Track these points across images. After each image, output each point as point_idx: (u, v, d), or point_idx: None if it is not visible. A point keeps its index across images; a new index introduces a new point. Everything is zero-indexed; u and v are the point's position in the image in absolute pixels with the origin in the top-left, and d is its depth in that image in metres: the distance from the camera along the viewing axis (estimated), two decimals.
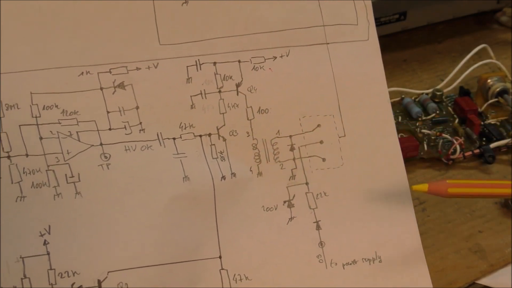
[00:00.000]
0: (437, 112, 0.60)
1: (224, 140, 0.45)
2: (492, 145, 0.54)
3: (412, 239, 0.46)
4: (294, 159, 0.46)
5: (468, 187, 0.41)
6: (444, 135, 0.57)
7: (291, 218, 0.46)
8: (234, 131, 0.45)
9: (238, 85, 0.45)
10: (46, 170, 0.41)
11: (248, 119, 0.46)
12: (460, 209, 0.48)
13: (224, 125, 0.45)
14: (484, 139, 0.55)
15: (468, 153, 0.53)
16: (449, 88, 0.62)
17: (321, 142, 0.47)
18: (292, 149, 0.46)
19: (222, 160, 0.44)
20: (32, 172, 0.41)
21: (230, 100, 0.45)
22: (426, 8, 0.52)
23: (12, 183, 0.40)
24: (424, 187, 0.41)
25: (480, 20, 0.75)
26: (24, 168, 0.41)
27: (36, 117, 0.42)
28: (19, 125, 0.41)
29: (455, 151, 0.56)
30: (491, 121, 0.57)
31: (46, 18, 0.42)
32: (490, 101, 0.62)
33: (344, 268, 0.45)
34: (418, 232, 0.46)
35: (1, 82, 0.41)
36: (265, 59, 0.46)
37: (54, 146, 0.41)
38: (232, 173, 0.45)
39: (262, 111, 0.46)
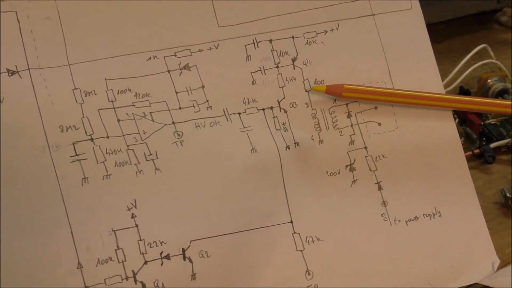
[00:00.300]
0: None
1: (285, 112, 0.48)
2: (492, 145, 0.54)
3: (468, 193, 0.49)
4: (351, 125, 0.49)
5: (361, 93, 0.46)
6: None
7: (354, 181, 0.48)
8: (294, 103, 0.48)
9: (294, 60, 0.48)
10: (127, 150, 0.44)
11: (305, 90, 0.48)
12: None
13: (284, 98, 0.48)
14: (484, 139, 0.55)
15: (468, 153, 0.53)
16: (449, 88, 0.63)
17: (376, 108, 0.49)
18: (349, 116, 0.49)
19: (285, 131, 0.47)
20: (114, 152, 0.44)
21: (287, 74, 0.48)
22: (426, 8, 0.54)
23: (97, 163, 0.43)
24: (322, 88, 0.45)
25: (480, 20, 0.75)
26: (106, 149, 0.43)
27: (112, 101, 0.44)
28: (98, 110, 0.44)
29: None
30: (491, 121, 0.57)
31: (114, 9, 0.45)
32: None
33: (407, 224, 0.48)
34: (474, 186, 0.48)
35: (79, 71, 0.44)
36: (317, 34, 0.49)
37: (131, 127, 0.44)
38: (295, 143, 0.47)
39: (318, 82, 0.48)
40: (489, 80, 0.63)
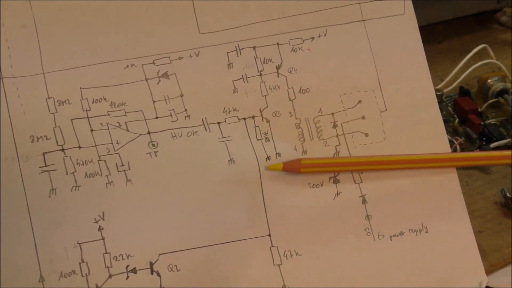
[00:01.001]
0: None
1: (268, 121, 0.43)
2: (492, 145, 0.51)
3: (458, 208, 0.43)
4: (337, 135, 0.44)
5: (320, 167, 0.41)
6: None
7: (337, 194, 0.43)
8: (277, 112, 0.43)
9: (278, 67, 0.43)
10: (98, 161, 0.40)
11: (290, 99, 0.43)
12: None
13: (267, 106, 0.43)
14: (484, 139, 0.52)
15: None
16: (449, 88, 0.60)
17: (363, 117, 0.44)
18: (334, 126, 0.44)
19: (266, 141, 0.42)
20: (85, 163, 0.40)
21: (271, 82, 0.43)
22: (426, 8, 0.50)
23: (67, 174, 0.39)
24: (278, 166, 0.40)
25: (480, 20, 0.72)
26: (77, 159, 0.40)
27: (86, 110, 0.41)
28: (71, 119, 0.40)
29: (455, 151, 0.53)
30: (491, 121, 0.54)
31: (91, 17, 0.41)
32: (490, 101, 0.58)
33: (391, 240, 0.43)
34: (464, 202, 0.43)
35: (53, 80, 0.40)
36: (303, 40, 0.44)
37: (105, 137, 0.40)
38: (276, 153, 0.42)
39: (303, 90, 0.43)
40: (489, 80, 0.59)
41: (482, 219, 0.47)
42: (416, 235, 0.43)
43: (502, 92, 0.57)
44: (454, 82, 0.57)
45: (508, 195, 0.48)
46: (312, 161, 0.40)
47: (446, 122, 0.56)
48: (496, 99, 0.58)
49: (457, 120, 0.54)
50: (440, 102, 0.58)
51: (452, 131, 0.52)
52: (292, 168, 0.40)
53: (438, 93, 0.57)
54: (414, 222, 0.43)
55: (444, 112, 0.57)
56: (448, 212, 0.42)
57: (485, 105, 0.55)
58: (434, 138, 0.43)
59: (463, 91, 0.56)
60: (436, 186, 0.43)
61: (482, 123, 0.52)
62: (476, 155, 0.44)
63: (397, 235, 0.42)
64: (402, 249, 0.42)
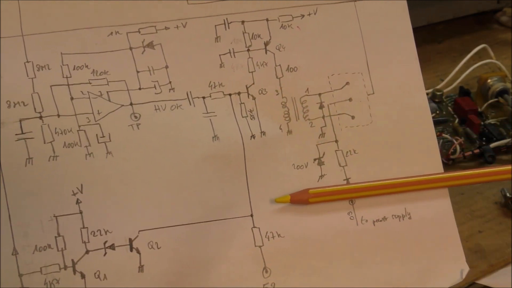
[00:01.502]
0: (437, 112, 0.57)
1: (254, 98, 0.42)
2: (492, 145, 0.52)
3: (441, 196, 0.43)
4: (323, 117, 0.43)
5: (328, 195, 0.41)
6: (444, 135, 0.55)
7: (321, 176, 0.43)
8: (263, 90, 0.42)
9: (266, 44, 0.43)
10: (78, 130, 0.39)
11: (277, 77, 0.43)
12: (460, 209, 0.46)
13: (253, 83, 0.42)
14: (484, 139, 0.53)
15: (468, 153, 0.51)
16: (449, 88, 0.60)
17: (350, 99, 0.44)
18: (321, 107, 0.43)
19: (251, 119, 0.42)
20: (64, 132, 0.38)
21: (258, 59, 0.42)
22: (426, 8, 0.51)
23: (44, 143, 0.38)
24: (286, 198, 0.40)
25: (480, 20, 0.72)
26: (56, 128, 0.38)
27: (67, 77, 0.39)
28: (50, 86, 0.39)
29: (455, 151, 0.54)
30: (491, 121, 0.55)
31: None
32: (490, 101, 0.59)
33: (374, 225, 0.43)
34: (448, 191, 0.43)
35: (33, 43, 0.39)
36: (293, 18, 0.43)
37: (85, 106, 0.39)
38: (261, 132, 0.42)
39: (291, 69, 0.43)
40: (489, 80, 0.59)
41: (482, 219, 0.48)
42: (399, 221, 0.43)
43: (502, 92, 0.58)
44: (454, 82, 0.58)
45: (508, 195, 0.49)
46: (321, 190, 0.41)
47: (446, 122, 0.56)
48: (496, 99, 0.58)
49: (457, 120, 0.54)
50: (440, 102, 0.58)
51: (452, 131, 0.53)
52: (300, 199, 0.40)
53: (438, 93, 0.58)
54: (397, 208, 0.43)
55: (444, 112, 0.57)
56: (431, 199, 0.43)
57: (485, 105, 0.55)
58: (420, 123, 0.44)
59: (463, 91, 0.56)
60: (421, 171, 0.43)
61: (482, 123, 0.53)
62: (474, 173, 0.45)
63: (380, 220, 0.43)
64: (384, 234, 0.42)
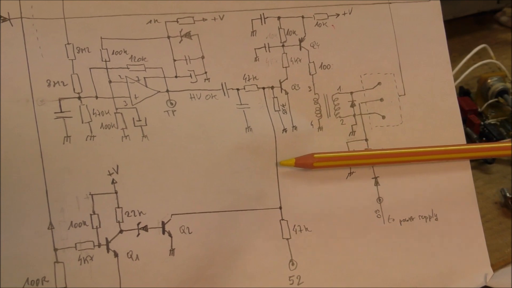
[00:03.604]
0: None
1: (287, 93, 0.46)
2: None
3: (469, 199, 0.47)
4: (354, 115, 0.47)
5: (332, 160, 0.44)
6: None
7: (350, 173, 0.47)
8: (296, 85, 0.46)
9: (301, 40, 0.47)
10: (115, 113, 0.42)
11: (310, 74, 0.47)
12: None
13: (287, 78, 0.46)
14: (484, 139, 0.55)
15: None
16: None
17: (381, 99, 0.48)
18: (352, 105, 0.47)
19: (284, 113, 0.45)
20: (101, 113, 0.42)
21: (293, 55, 0.46)
22: None
23: (82, 122, 0.41)
24: (291, 161, 0.42)
25: (480, 20, 0.75)
26: (94, 109, 0.42)
27: (105, 61, 0.43)
28: (90, 68, 0.42)
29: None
30: (491, 121, 0.57)
31: None
32: (490, 101, 0.62)
33: (401, 224, 0.46)
34: (475, 193, 0.47)
35: (74, 26, 0.42)
36: (328, 16, 0.47)
37: (123, 90, 0.43)
38: (293, 126, 0.45)
39: (324, 66, 0.47)
40: (489, 80, 0.62)
41: (482, 219, 0.49)
42: (426, 221, 0.46)
43: (502, 92, 0.61)
44: (454, 82, 0.58)
45: (508, 195, 0.52)
46: (325, 155, 0.43)
47: None
48: (496, 99, 0.61)
49: None
50: None
51: None
52: (305, 163, 0.43)
53: None
54: (425, 208, 0.47)
55: None
56: (458, 202, 0.47)
57: (485, 105, 0.58)
58: (450, 126, 0.48)
59: (463, 91, 0.59)
60: (449, 175, 0.47)
61: (482, 123, 0.55)
62: (472, 147, 0.49)
63: (407, 220, 0.46)
64: (410, 234, 0.46)
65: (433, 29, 0.48)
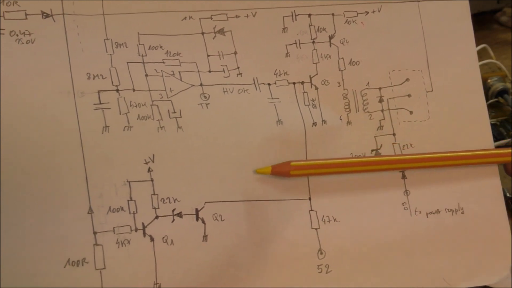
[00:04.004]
0: None
1: (316, 88, 0.49)
2: None
3: (495, 194, 0.49)
4: (382, 110, 0.49)
5: (310, 168, 0.44)
6: None
7: None
8: (326, 81, 0.49)
9: (331, 37, 0.49)
10: (151, 105, 0.45)
11: (339, 69, 0.49)
12: None
13: (317, 74, 0.49)
14: None
15: None
16: None
17: (409, 95, 0.50)
18: (380, 100, 0.49)
19: (313, 108, 0.48)
20: (138, 105, 0.45)
21: (323, 51, 0.49)
22: None
23: (120, 113, 0.44)
24: (267, 169, 0.43)
25: (480, 20, 0.75)
26: (131, 101, 0.45)
27: (142, 55, 0.46)
28: (127, 62, 0.45)
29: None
30: (491, 121, 0.56)
31: None
32: (490, 101, 0.63)
33: (428, 217, 0.49)
34: (501, 188, 0.48)
35: (112, 22, 0.45)
36: (357, 14, 0.50)
37: (158, 83, 0.45)
38: (322, 120, 0.48)
39: (353, 63, 0.49)
40: (489, 80, 0.63)
41: None
42: (452, 214, 0.49)
43: (502, 92, 0.62)
44: None
45: (508, 195, 0.53)
46: (302, 163, 0.44)
47: None
48: (496, 99, 0.63)
49: None
50: None
51: None
52: (281, 172, 0.44)
53: None
54: (451, 202, 0.49)
55: None
56: (484, 196, 0.49)
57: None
58: (477, 123, 0.49)
59: None
60: (476, 169, 0.49)
61: None
62: (471, 154, 0.50)
63: (434, 213, 0.48)
64: (437, 226, 0.48)
65: (461, 27, 0.50)
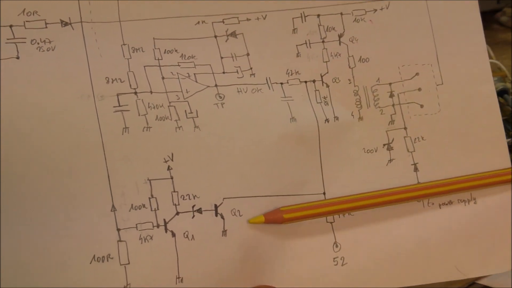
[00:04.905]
0: None
1: (328, 86, 0.52)
2: None
3: (507, 186, 0.52)
4: (393, 105, 0.52)
5: (301, 211, 0.46)
6: None
7: (390, 160, 0.52)
8: (337, 78, 0.52)
9: (340, 36, 0.52)
10: (168, 106, 0.48)
11: (349, 67, 0.52)
12: None
13: (327, 72, 0.52)
14: None
15: None
16: None
17: (419, 89, 0.53)
18: (391, 95, 0.52)
19: (325, 105, 0.51)
20: (156, 107, 0.48)
21: (332, 50, 0.52)
22: None
23: (139, 115, 0.47)
24: (260, 219, 0.45)
25: None
26: (149, 103, 0.48)
27: (158, 59, 0.49)
28: (144, 66, 0.49)
29: None
30: None
31: None
32: None
33: (440, 208, 0.52)
34: None
35: (128, 28, 0.49)
36: (366, 12, 0.53)
37: (175, 85, 0.49)
38: (335, 117, 0.51)
39: (363, 60, 0.52)
40: None
41: None
42: (465, 205, 0.52)
43: (502, 92, 0.63)
44: None
45: None
46: (293, 207, 0.47)
47: None
48: None
49: None
50: None
51: None
52: (275, 218, 0.46)
53: None
54: (464, 193, 0.51)
55: None
56: (496, 186, 0.51)
57: None
58: (487, 113, 0.52)
59: None
60: (487, 159, 0.52)
61: None
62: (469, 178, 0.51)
63: (446, 204, 0.52)
64: (450, 217, 0.51)
65: (469, 18, 0.53)
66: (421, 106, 0.52)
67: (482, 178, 0.51)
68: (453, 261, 0.50)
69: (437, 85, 0.53)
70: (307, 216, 0.46)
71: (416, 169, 0.52)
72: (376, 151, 0.52)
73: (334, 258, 0.49)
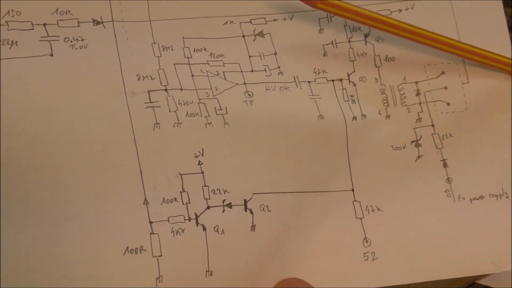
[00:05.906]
0: None
1: (354, 85, 0.54)
2: None
3: None
4: (420, 103, 0.55)
5: (338, 9, 0.47)
6: None
7: (419, 157, 0.54)
8: (363, 77, 0.54)
9: (366, 36, 0.55)
10: (198, 103, 0.51)
11: (376, 66, 0.55)
12: None
13: (354, 71, 0.54)
14: None
15: None
16: None
17: (446, 88, 0.55)
18: (418, 94, 0.55)
19: (353, 103, 0.53)
20: (186, 103, 0.51)
21: (359, 49, 0.54)
22: None
23: (169, 111, 0.50)
24: None
25: None
26: (179, 99, 0.50)
27: (188, 57, 0.52)
28: (174, 64, 0.51)
29: None
30: None
31: None
32: None
33: (472, 203, 0.53)
34: None
35: (158, 28, 0.52)
36: (391, 12, 0.55)
37: (204, 83, 0.51)
38: (362, 115, 0.53)
39: (389, 59, 0.55)
40: None
41: None
42: (497, 199, 0.53)
43: None
44: None
45: None
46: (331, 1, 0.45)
47: None
48: None
49: None
50: None
51: None
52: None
53: None
54: (495, 187, 0.53)
55: None
56: None
57: None
58: None
59: None
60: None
61: None
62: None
63: (478, 198, 0.53)
64: (482, 212, 0.52)
65: (494, 19, 0.55)
66: (448, 104, 0.55)
67: None
68: (488, 256, 0.51)
69: (463, 83, 0.55)
70: (345, 16, 0.48)
71: (445, 165, 0.54)
72: (404, 148, 0.54)
73: (364, 253, 0.51)
